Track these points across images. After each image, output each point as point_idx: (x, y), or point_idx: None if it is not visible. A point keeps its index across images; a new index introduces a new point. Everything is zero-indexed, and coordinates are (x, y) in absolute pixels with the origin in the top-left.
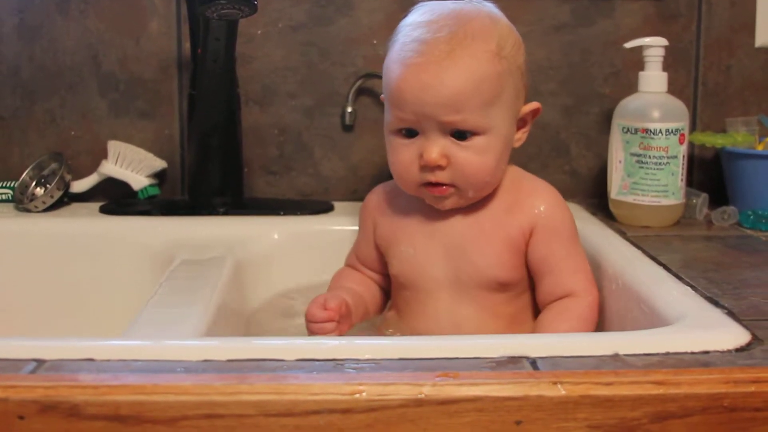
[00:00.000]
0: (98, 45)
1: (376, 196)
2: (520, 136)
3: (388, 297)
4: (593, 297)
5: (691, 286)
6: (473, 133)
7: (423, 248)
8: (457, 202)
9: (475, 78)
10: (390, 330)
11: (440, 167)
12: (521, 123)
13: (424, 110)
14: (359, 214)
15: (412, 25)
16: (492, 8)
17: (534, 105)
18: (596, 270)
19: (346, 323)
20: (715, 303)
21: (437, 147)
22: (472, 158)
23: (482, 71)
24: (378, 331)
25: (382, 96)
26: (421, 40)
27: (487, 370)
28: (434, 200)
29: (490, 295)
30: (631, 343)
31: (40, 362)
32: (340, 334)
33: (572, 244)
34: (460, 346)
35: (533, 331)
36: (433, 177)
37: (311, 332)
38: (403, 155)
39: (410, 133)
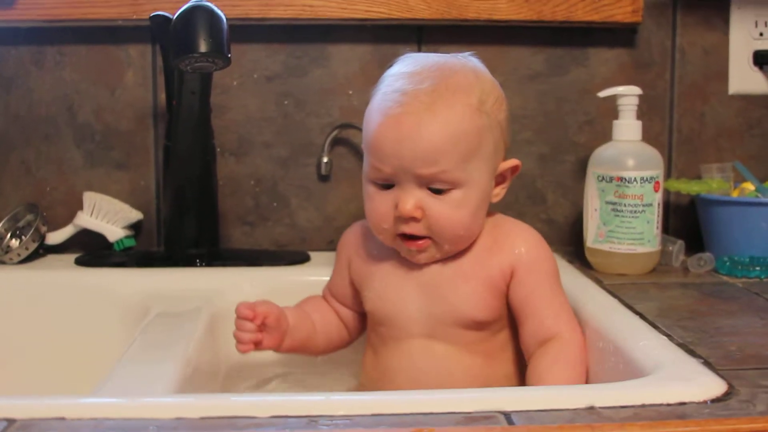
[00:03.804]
0: (74, 96)
1: (353, 232)
2: (499, 192)
3: (352, 334)
4: (579, 337)
5: (668, 336)
6: (450, 187)
7: (397, 285)
8: (433, 256)
9: (454, 132)
10: (367, 369)
11: (415, 219)
12: (500, 179)
13: (401, 163)
14: (336, 248)
15: (396, 75)
16: (476, 63)
17: (513, 162)
18: None
19: (272, 336)
20: (691, 352)
21: (412, 198)
22: (447, 211)
23: (462, 125)
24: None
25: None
26: (402, 91)
27: (462, 426)
28: (409, 253)
29: (466, 332)
30: (606, 396)
31: (11, 421)
32: (261, 346)
33: (554, 284)
34: (434, 401)
35: (526, 378)
36: (407, 228)
37: (235, 331)
38: (379, 205)
39: (387, 185)
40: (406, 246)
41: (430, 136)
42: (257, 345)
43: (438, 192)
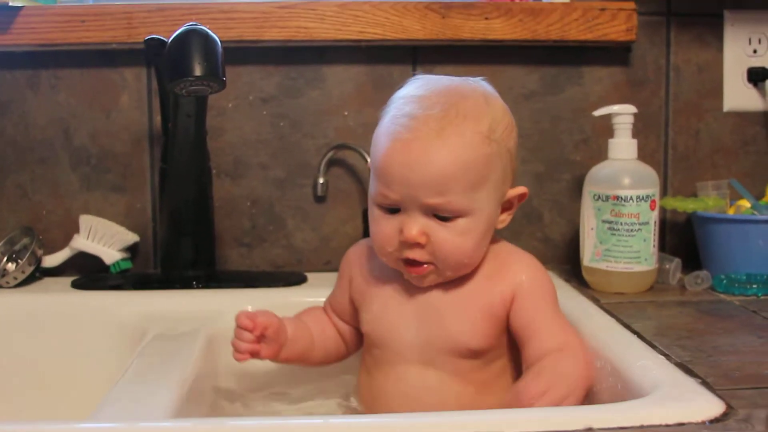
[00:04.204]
0: (69, 119)
1: (357, 250)
2: (505, 218)
3: (349, 348)
4: (583, 352)
5: (665, 355)
6: (456, 215)
7: (396, 309)
8: (435, 280)
9: (463, 160)
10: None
11: (419, 245)
12: (507, 205)
13: (408, 191)
14: (340, 264)
15: (405, 98)
16: (488, 88)
17: (521, 189)
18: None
19: (270, 346)
20: (690, 372)
21: (417, 225)
22: (452, 238)
23: (471, 153)
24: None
25: (369, 163)
26: (411, 116)
27: None
28: (412, 278)
29: (461, 361)
30: (604, 417)
31: None
32: (259, 356)
33: (554, 306)
34: (430, 424)
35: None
36: (411, 254)
37: (234, 340)
38: (384, 228)
39: (393, 209)
40: (408, 272)
41: (439, 164)
42: (254, 355)
43: (444, 219)
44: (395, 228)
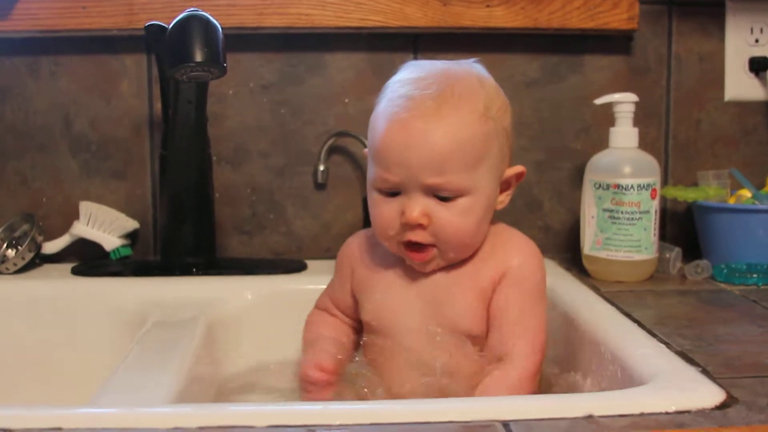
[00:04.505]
0: (69, 105)
1: (356, 241)
2: (503, 199)
3: (357, 342)
4: (529, 366)
5: (665, 344)
6: (456, 194)
7: (398, 297)
8: (438, 265)
9: (461, 138)
10: (364, 375)
11: (421, 226)
12: (505, 186)
13: (408, 172)
14: (337, 258)
15: (401, 81)
16: (480, 70)
17: (518, 168)
18: (570, 327)
19: (338, 380)
20: (690, 361)
21: (419, 206)
22: (454, 218)
23: (469, 131)
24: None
25: (365, 150)
26: (408, 97)
27: None
28: (415, 264)
29: (464, 344)
30: (605, 404)
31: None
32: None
33: (533, 300)
34: (432, 410)
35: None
36: (413, 236)
37: (307, 395)
38: (385, 212)
39: (393, 192)
40: (410, 257)
41: (438, 143)
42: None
43: (445, 199)
44: (396, 211)
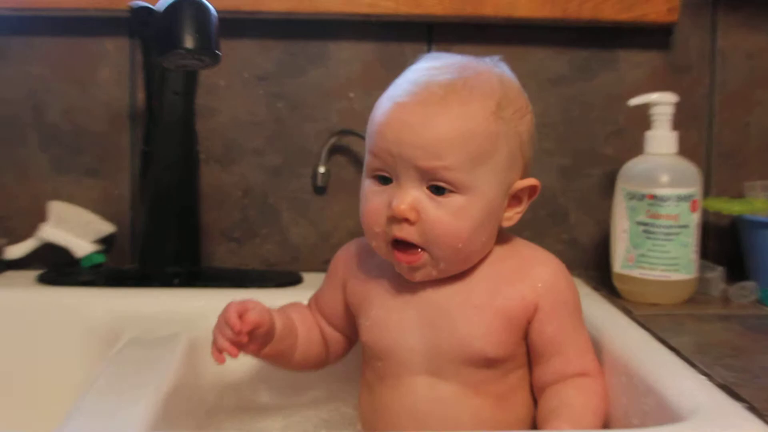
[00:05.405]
0: (41, 93)
1: (349, 249)
2: (512, 216)
3: (330, 357)
4: (602, 377)
5: (706, 375)
6: (452, 190)
7: (397, 313)
8: (429, 274)
9: (464, 129)
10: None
11: (408, 221)
12: (514, 201)
13: (400, 150)
14: (329, 265)
15: (414, 69)
16: (505, 69)
17: (531, 181)
18: (597, 354)
19: (255, 344)
20: (734, 395)
21: (409, 197)
22: (445, 218)
23: (473, 125)
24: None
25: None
26: (416, 82)
27: None
28: (403, 269)
29: (476, 371)
30: None
31: None
32: (236, 353)
33: (579, 318)
34: None
35: (540, 409)
36: (399, 231)
37: (214, 341)
38: (373, 202)
39: (385, 180)
40: (398, 259)
41: (437, 128)
42: (233, 354)
43: (438, 192)
44: (385, 203)
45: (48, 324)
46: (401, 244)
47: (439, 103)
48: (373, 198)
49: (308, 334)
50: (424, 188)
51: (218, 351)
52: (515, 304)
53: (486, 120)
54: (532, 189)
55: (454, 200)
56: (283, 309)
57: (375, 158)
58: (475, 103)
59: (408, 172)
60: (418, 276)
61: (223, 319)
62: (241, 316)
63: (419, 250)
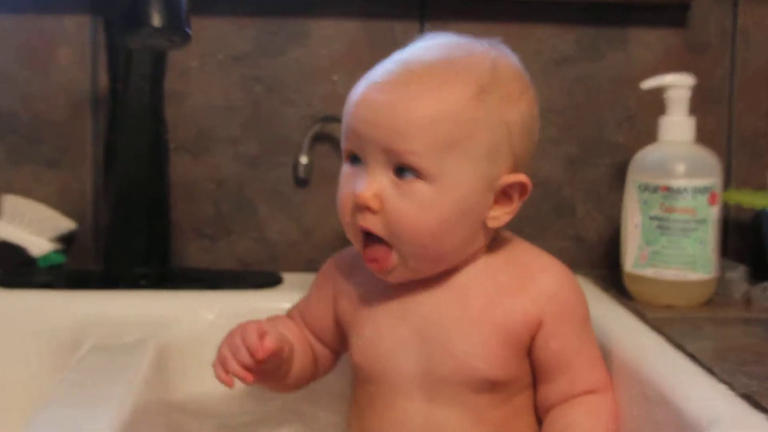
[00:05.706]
0: None
1: (340, 260)
2: (499, 216)
3: (318, 373)
4: (612, 390)
5: (727, 384)
6: (417, 176)
7: (389, 332)
8: (402, 274)
9: (436, 110)
10: None
11: (371, 210)
12: (503, 198)
13: (368, 131)
14: (316, 276)
15: (405, 49)
16: (505, 53)
17: (519, 177)
18: (607, 360)
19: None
20: (757, 405)
21: (375, 184)
22: (408, 209)
23: (445, 108)
24: None
25: None
26: (398, 61)
27: None
28: (374, 269)
29: (475, 395)
30: None
31: None
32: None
33: (586, 330)
34: None
35: (545, 429)
36: (363, 221)
37: (220, 362)
38: (344, 189)
39: (355, 160)
40: (365, 255)
41: (406, 108)
42: (244, 380)
43: (402, 173)
44: (353, 189)
45: (2, 330)
46: (370, 238)
47: (414, 83)
48: (344, 184)
49: (302, 356)
50: (391, 173)
51: (225, 373)
52: (517, 321)
53: (464, 104)
54: (522, 186)
55: (419, 188)
56: (274, 326)
57: (346, 140)
58: (454, 86)
59: (376, 155)
60: (392, 278)
61: (240, 340)
62: (261, 352)
63: (389, 249)
